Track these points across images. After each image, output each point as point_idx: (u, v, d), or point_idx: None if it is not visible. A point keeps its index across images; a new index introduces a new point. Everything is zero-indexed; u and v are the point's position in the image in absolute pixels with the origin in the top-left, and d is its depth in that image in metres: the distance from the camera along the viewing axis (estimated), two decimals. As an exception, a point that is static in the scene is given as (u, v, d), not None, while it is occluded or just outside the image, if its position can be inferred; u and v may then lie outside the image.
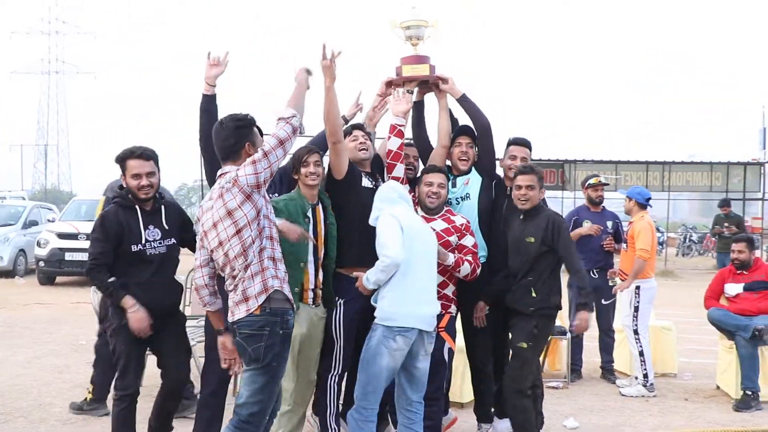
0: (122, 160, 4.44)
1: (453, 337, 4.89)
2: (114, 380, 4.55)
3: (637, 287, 7.06)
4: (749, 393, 6.54)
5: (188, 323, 5.09)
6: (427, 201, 4.87)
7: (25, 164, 58.87)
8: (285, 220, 4.25)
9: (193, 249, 4.66)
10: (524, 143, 5.40)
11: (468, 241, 4.89)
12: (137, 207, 4.44)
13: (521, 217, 5.02)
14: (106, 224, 4.37)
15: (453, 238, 4.85)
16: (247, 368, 3.84)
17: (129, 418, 4.43)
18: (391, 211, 4.36)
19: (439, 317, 4.67)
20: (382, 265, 4.17)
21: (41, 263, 14.69)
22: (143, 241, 4.38)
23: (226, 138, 3.90)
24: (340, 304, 4.71)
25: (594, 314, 7.18)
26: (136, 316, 4.28)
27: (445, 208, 4.97)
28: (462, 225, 4.91)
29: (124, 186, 4.51)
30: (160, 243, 4.45)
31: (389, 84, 5.31)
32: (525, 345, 4.90)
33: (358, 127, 5.04)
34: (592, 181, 7.70)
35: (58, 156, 68.82)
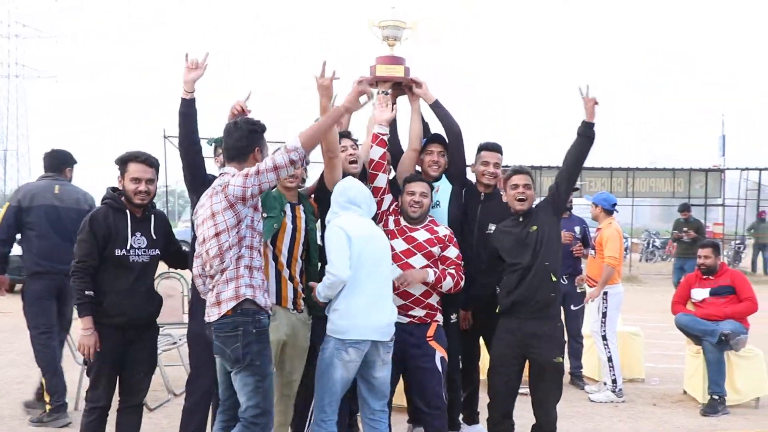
0: (124, 162, 4.39)
1: (443, 345, 4.76)
2: (86, 390, 4.45)
3: (605, 293, 7.09)
4: (716, 397, 6.59)
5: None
6: (410, 210, 4.78)
7: (-16, 169, 57.56)
8: None
9: (170, 263, 4.76)
10: (496, 148, 5.36)
11: (451, 252, 4.80)
12: (128, 211, 4.38)
13: (520, 219, 4.86)
14: (95, 225, 4.28)
15: (436, 249, 4.75)
16: (234, 372, 3.83)
17: (98, 431, 4.37)
18: (339, 221, 4.29)
19: (426, 326, 4.66)
20: (328, 282, 4.15)
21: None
22: (128, 247, 4.32)
23: (238, 139, 3.99)
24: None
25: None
26: (87, 339, 4.24)
27: (429, 218, 4.88)
28: (445, 236, 4.81)
29: (119, 188, 4.43)
30: (144, 251, 4.39)
31: (361, 82, 5.24)
32: (561, 358, 4.82)
33: (345, 135, 4.90)
34: None
35: (18, 162, 67.58)
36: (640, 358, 7.92)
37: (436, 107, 5.19)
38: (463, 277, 4.80)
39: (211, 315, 3.83)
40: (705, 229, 15.54)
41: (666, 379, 7.92)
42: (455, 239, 4.86)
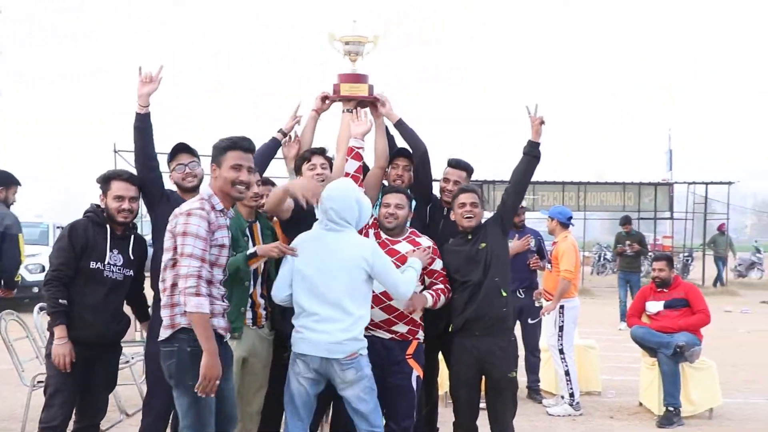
0: (107, 180, 4.38)
1: (421, 364, 4.66)
2: (41, 411, 4.31)
3: (561, 307, 7.12)
4: (671, 409, 6.66)
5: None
6: (385, 222, 4.71)
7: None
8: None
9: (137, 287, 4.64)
10: (460, 166, 5.28)
11: (437, 265, 4.72)
12: (108, 226, 4.35)
13: (469, 236, 4.89)
14: (74, 235, 4.27)
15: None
16: (173, 390, 3.76)
17: None
18: (297, 238, 4.31)
19: (407, 344, 4.58)
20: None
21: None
22: (105, 262, 4.30)
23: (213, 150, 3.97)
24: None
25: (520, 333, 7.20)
26: (61, 348, 4.18)
27: (410, 230, 4.80)
28: (429, 248, 4.74)
29: (100, 206, 4.44)
30: (119, 269, 4.35)
31: (324, 99, 5.18)
32: (515, 373, 4.84)
33: (318, 152, 4.77)
34: None
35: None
36: (596, 371, 7.96)
37: (400, 126, 5.14)
38: (450, 289, 4.76)
39: (162, 334, 3.76)
40: (647, 242, 15.24)
41: (622, 392, 7.98)
42: (438, 251, 4.79)
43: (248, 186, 3.86)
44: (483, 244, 4.80)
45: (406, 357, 4.57)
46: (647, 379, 7.14)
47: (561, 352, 7.09)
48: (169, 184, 4.68)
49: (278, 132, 5.14)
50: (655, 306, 7.03)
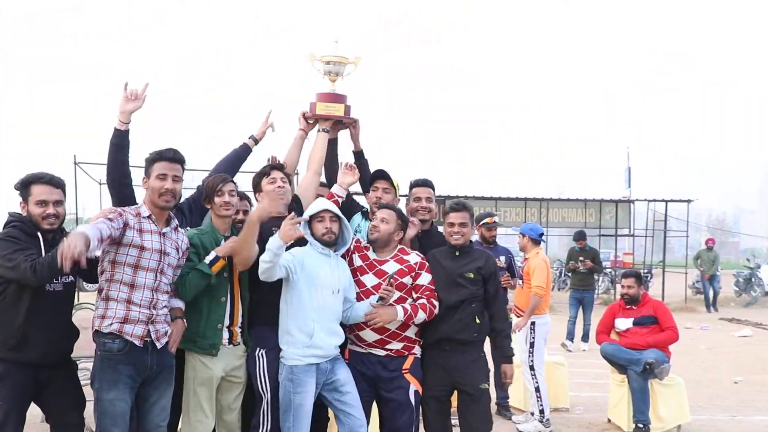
0: (26, 185, 4.02)
1: (419, 379, 4.67)
2: None
3: (533, 323, 7.13)
4: (641, 426, 6.68)
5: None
6: (368, 234, 4.72)
7: None
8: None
9: (87, 279, 4.32)
10: (426, 184, 5.28)
11: (424, 279, 4.70)
12: (39, 234, 3.99)
13: (456, 253, 4.90)
14: (12, 234, 3.89)
15: (407, 279, 4.65)
16: None
17: None
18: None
19: (403, 359, 4.61)
20: None
21: None
22: None
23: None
24: (261, 355, 4.41)
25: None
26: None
27: (398, 247, 4.76)
28: (416, 263, 4.71)
29: (23, 214, 4.06)
30: (57, 279, 4.01)
31: (304, 117, 5.19)
32: (487, 385, 4.86)
33: (277, 167, 4.72)
34: (486, 220, 7.70)
35: None
36: (565, 387, 7.98)
37: (359, 157, 5.26)
38: (436, 304, 4.68)
39: None
40: (600, 258, 14.13)
41: (590, 408, 8.00)
42: (427, 264, 4.75)
43: (174, 195, 4.02)
44: (470, 275, 4.81)
45: (403, 372, 4.59)
46: (616, 396, 7.16)
47: (531, 368, 7.08)
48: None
49: (249, 138, 5.09)
50: (624, 323, 7.06)
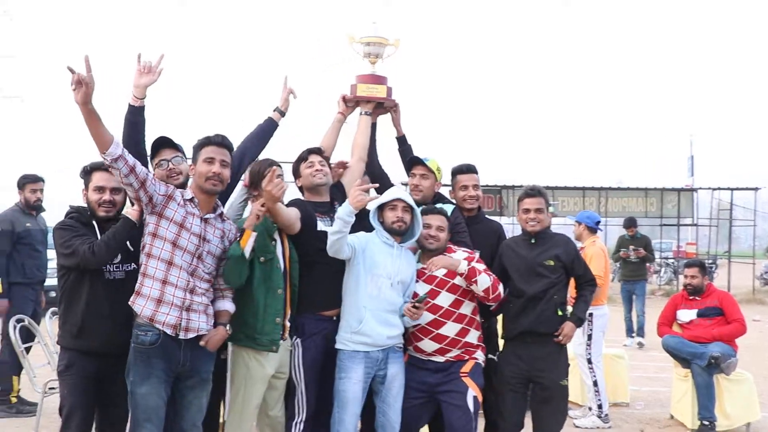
0: (88, 172, 4.02)
1: (479, 384, 4.39)
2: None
3: (590, 315, 6.82)
4: (706, 423, 6.36)
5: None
6: (426, 243, 4.46)
7: (-54, 190, 56.59)
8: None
9: None
10: (471, 170, 5.03)
11: (478, 266, 4.38)
12: (94, 223, 3.97)
13: (532, 240, 4.69)
14: (68, 223, 3.93)
15: (459, 280, 4.38)
16: None
17: None
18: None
19: (462, 363, 4.39)
20: None
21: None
22: None
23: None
24: (297, 344, 4.28)
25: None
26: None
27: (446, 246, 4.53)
28: (464, 259, 4.41)
29: (83, 202, 4.08)
30: (118, 267, 3.95)
31: (344, 100, 5.00)
32: (566, 381, 4.68)
33: (315, 151, 4.54)
34: None
35: (-17, 182, 66.34)
36: (625, 381, 7.68)
37: (401, 143, 5.08)
38: (498, 287, 4.38)
39: None
40: (652, 245, 12.95)
41: (651, 403, 7.69)
42: (476, 255, 4.48)
43: (221, 179, 3.92)
44: (550, 261, 4.61)
45: (461, 375, 4.35)
46: (679, 391, 6.84)
47: (589, 362, 6.81)
48: None
49: (274, 111, 4.87)
50: (687, 314, 6.74)
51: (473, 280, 4.29)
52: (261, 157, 4.61)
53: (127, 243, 3.96)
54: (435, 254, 4.42)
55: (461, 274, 4.31)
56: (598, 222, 7.28)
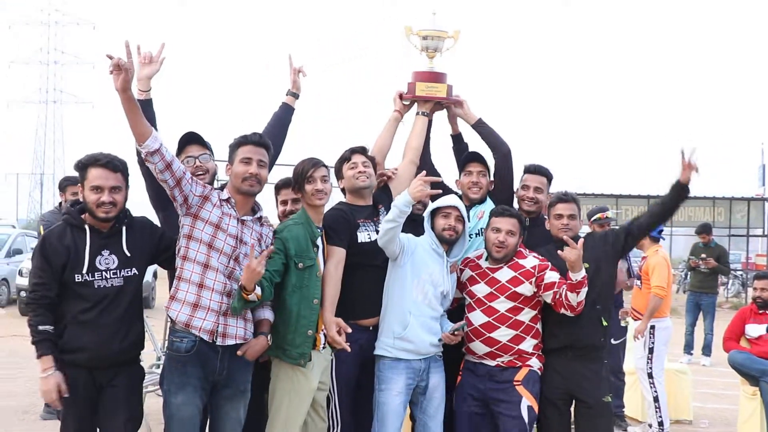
0: (84, 167, 3.62)
1: (534, 393, 4.18)
2: None
3: (652, 327, 6.58)
4: (775, 444, 6.02)
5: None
6: (494, 250, 4.28)
7: (21, 193, 58.52)
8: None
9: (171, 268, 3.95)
10: (541, 171, 4.74)
11: (551, 276, 4.17)
12: (87, 227, 3.63)
13: (563, 249, 4.35)
14: (48, 248, 3.57)
15: (523, 288, 4.18)
16: None
17: None
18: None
19: (515, 370, 4.20)
20: None
21: (22, 293, 14.15)
22: (86, 269, 3.56)
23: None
24: (332, 355, 4.11)
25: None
26: (46, 383, 3.47)
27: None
28: (534, 267, 4.23)
29: (80, 201, 3.74)
30: (115, 273, 3.63)
31: (401, 97, 4.78)
32: (609, 398, 4.43)
33: (359, 150, 4.32)
34: (597, 216, 7.17)
35: (54, 186, 68.41)
36: (688, 397, 7.37)
37: (480, 126, 4.75)
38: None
39: None
40: (728, 257, 12.01)
41: (716, 422, 7.37)
42: (550, 264, 4.25)
43: (259, 180, 3.78)
44: (586, 264, 4.29)
45: (514, 383, 4.17)
46: (747, 410, 6.49)
47: (650, 376, 6.52)
48: None
49: (288, 95, 4.67)
50: (756, 329, 6.42)
51: (578, 290, 4.09)
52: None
53: (123, 247, 3.68)
54: (505, 260, 4.24)
55: (567, 281, 4.10)
56: (661, 231, 6.98)
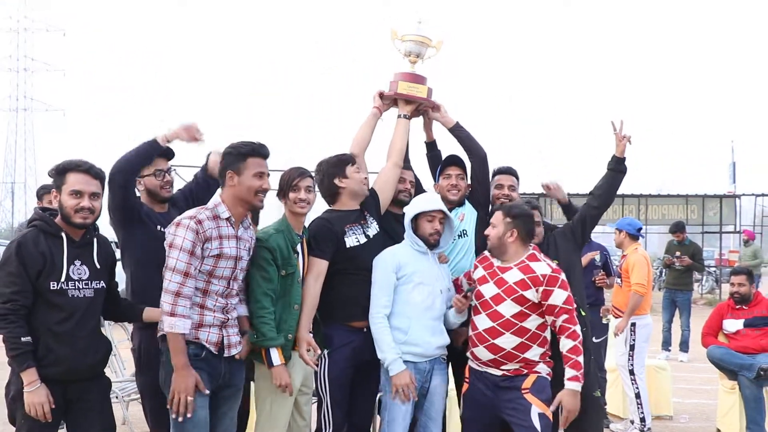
0: (62, 172, 3.56)
1: (545, 399, 4.00)
2: None
3: (633, 324, 6.67)
4: (755, 437, 6.11)
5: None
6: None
7: (-9, 202, 57.65)
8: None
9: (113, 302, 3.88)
10: (511, 171, 5.00)
11: (557, 297, 3.99)
12: (63, 234, 3.56)
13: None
14: (24, 253, 3.44)
15: (530, 293, 4.02)
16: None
17: None
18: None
19: (522, 378, 4.06)
20: None
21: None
22: (64, 279, 3.50)
23: (220, 162, 3.75)
24: (324, 355, 4.15)
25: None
26: (35, 396, 3.40)
27: (529, 252, 4.17)
28: (545, 276, 4.02)
29: (51, 206, 3.70)
30: (86, 284, 3.58)
31: (382, 96, 4.80)
32: (599, 392, 4.47)
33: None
34: None
35: (26, 194, 67.53)
36: (668, 393, 7.44)
37: (458, 130, 4.80)
38: (577, 329, 3.99)
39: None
40: (702, 254, 12.12)
41: (696, 417, 7.44)
42: (561, 276, 4.06)
43: (265, 194, 3.79)
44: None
45: (522, 391, 4.03)
46: (726, 404, 6.59)
47: (631, 373, 6.60)
48: None
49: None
50: (733, 324, 6.50)
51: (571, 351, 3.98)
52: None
53: (94, 258, 3.65)
54: (494, 253, 4.22)
55: (569, 310, 4.02)
56: (639, 229, 7.09)
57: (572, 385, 3.92)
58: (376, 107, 4.78)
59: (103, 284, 3.69)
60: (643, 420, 6.53)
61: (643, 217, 19.70)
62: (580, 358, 3.95)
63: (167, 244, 3.52)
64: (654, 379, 7.23)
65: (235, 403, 3.83)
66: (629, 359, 6.64)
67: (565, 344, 3.98)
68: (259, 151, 3.69)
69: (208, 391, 3.55)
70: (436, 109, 4.85)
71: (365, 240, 4.20)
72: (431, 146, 5.05)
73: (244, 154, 3.66)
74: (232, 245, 3.66)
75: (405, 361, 4.04)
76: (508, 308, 4.06)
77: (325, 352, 4.14)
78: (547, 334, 4.15)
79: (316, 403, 4.31)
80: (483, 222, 4.65)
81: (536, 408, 3.98)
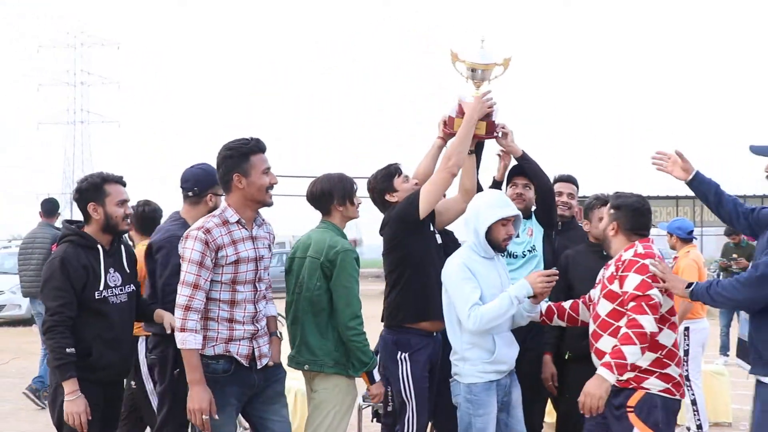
0: (99, 186, 3.73)
1: (652, 424, 3.61)
2: None
3: (686, 329, 6.52)
4: (818, 445, 5.91)
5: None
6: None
7: (50, 213, 59.44)
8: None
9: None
10: (570, 180, 5.17)
11: (630, 283, 3.62)
12: (99, 246, 3.73)
13: (603, 253, 4.22)
14: (69, 268, 3.60)
15: (615, 286, 3.71)
16: None
17: None
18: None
19: (629, 392, 3.65)
20: None
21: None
22: (102, 287, 3.69)
23: (216, 167, 3.62)
24: (404, 358, 4.10)
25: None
26: (76, 405, 3.52)
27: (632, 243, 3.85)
28: (624, 261, 3.72)
29: (95, 217, 3.76)
30: (121, 290, 3.77)
31: (445, 124, 4.54)
32: None
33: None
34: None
35: (83, 205, 69.43)
36: (727, 399, 7.31)
37: (525, 161, 4.70)
38: (644, 322, 3.51)
39: None
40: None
41: (756, 423, 7.24)
42: (640, 262, 3.66)
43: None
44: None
45: (627, 409, 3.63)
46: (787, 411, 6.40)
47: (687, 379, 6.46)
48: None
49: None
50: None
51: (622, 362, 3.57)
52: None
53: (124, 264, 3.85)
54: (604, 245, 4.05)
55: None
56: (691, 231, 6.93)
57: (600, 371, 3.53)
58: (440, 137, 4.59)
59: (133, 287, 3.87)
60: (699, 427, 6.41)
61: (698, 218, 19.34)
62: (626, 349, 3.47)
63: (180, 257, 3.57)
64: (712, 385, 7.12)
65: (282, 407, 3.78)
66: (683, 365, 6.50)
67: (622, 331, 3.58)
68: (259, 146, 3.60)
69: (217, 416, 3.48)
70: (504, 137, 4.65)
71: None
72: (524, 159, 4.76)
73: (246, 153, 3.55)
74: (249, 247, 3.60)
75: (490, 381, 3.84)
76: (603, 307, 3.79)
77: (405, 354, 4.09)
78: (665, 339, 3.70)
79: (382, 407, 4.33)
80: (549, 240, 4.79)
81: (637, 430, 3.59)
